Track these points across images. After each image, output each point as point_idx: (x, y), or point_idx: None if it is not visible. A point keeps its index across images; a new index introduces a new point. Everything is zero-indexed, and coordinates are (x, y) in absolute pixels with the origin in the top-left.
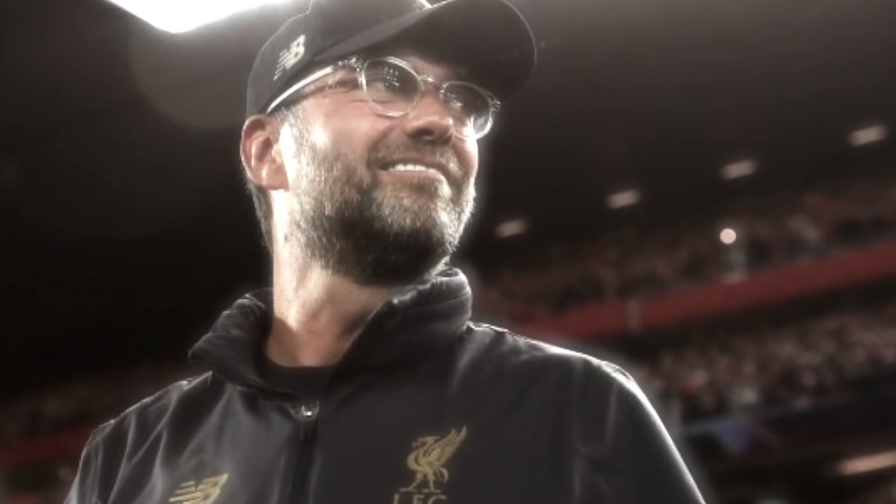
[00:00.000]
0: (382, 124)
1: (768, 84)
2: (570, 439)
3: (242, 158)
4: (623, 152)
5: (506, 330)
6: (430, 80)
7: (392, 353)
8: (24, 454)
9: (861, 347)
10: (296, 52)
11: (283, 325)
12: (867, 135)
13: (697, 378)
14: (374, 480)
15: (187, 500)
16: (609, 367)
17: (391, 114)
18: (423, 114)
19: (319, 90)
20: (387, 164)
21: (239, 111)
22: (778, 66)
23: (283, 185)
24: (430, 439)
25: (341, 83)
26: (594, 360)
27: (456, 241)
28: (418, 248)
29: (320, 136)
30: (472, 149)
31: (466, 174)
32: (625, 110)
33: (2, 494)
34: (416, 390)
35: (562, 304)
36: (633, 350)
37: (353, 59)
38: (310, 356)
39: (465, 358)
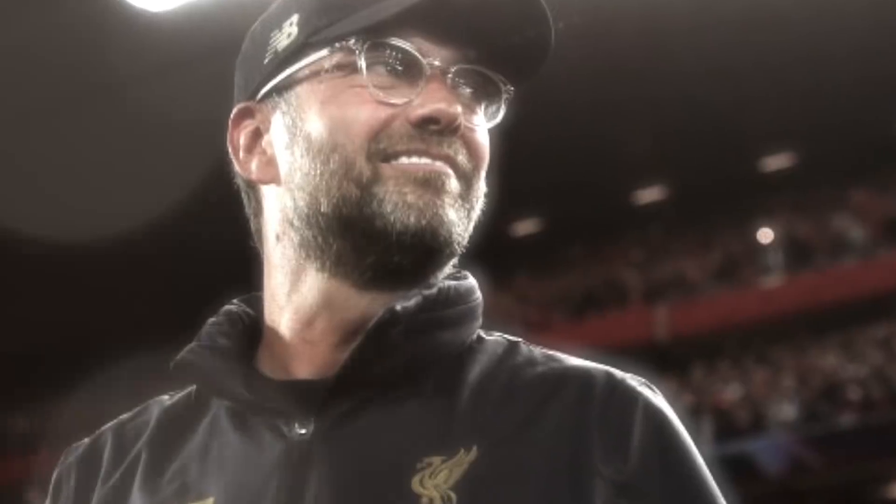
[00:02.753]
0: (384, 112)
1: (809, 68)
2: (591, 460)
3: (230, 150)
4: (649, 143)
5: (520, 339)
6: (436, 63)
7: (395, 364)
8: None
9: None
10: (288, 32)
11: (275, 333)
12: None
13: (731, 392)
14: None
15: None
16: (634, 381)
17: (394, 101)
18: (428, 101)
19: (315, 75)
20: (389, 157)
21: (226, 98)
22: (819, 49)
23: (275, 179)
24: (436, 460)
25: (339, 67)
26: (617, 373)
27: (465, 241)
28: (423, 248)
29: (315, 125)
30: (483, 139)
31: (477, 167)
32: (651, 97)
33: None
34: (422, 406)
35: (582, 310)
36: (660, 361)
37: (352, 41)
38: (304, 368)
39: (476, 370)
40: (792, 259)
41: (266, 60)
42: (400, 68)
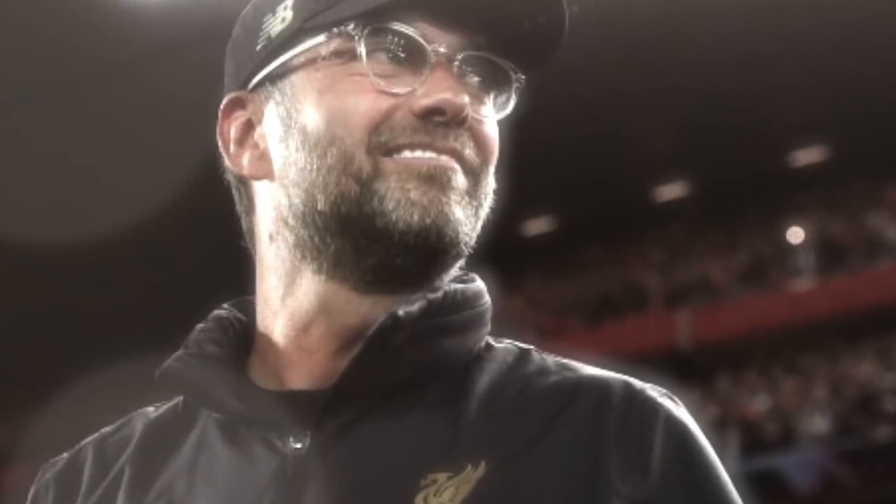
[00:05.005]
0: (385, 102)
1: (843, 55)
2: (608, 475)
3: (220, 143)
4: (670, 137)
5: (532, 346)
6: (441, 50)
7: (397, 373)
8: None
9: None
10: (283, 16)
11: (268, 340)
12: None
13: (759, 403)
14: None
15: None
16: (654, 391)
17: (396, 90)
18: (433, 90)
19: (311, 62)
20: (391, 150)
21: (215, 87)
22: (854, 34)
23: (268, 174)
24: (442, 476)
25: (337, 54)
26: (636, 383)
27: (473, 241)
28: (428, 249)
29: (312, 116)
30: (492, 132)
31: (485, 162)
32: (672, 87)
33: None
34: (426, 418)
35: (598, 315)
36: (682, 370)
37: (351, 26)
38: (299, 377)
39: (484, 379)
40: (824, 260)
41: (259, 47)
42: (402, 55)
